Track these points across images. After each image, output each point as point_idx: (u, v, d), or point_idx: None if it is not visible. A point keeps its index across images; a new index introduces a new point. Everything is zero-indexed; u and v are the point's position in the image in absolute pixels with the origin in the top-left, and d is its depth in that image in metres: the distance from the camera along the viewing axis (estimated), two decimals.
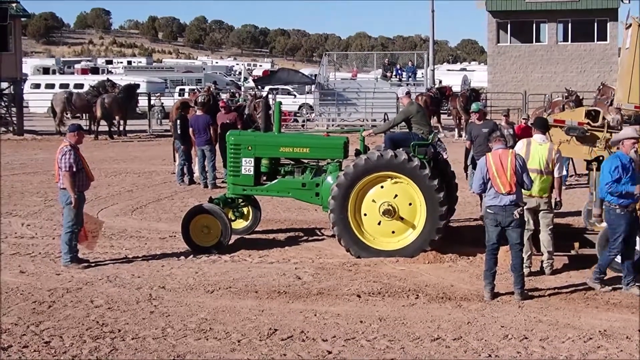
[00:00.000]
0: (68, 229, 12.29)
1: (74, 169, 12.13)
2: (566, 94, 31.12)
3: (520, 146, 11.91)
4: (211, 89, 33.81)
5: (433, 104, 33.95)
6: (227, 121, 20.17)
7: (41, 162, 25.75)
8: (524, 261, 11.26)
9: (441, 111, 37.19)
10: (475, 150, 16.05)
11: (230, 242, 13.64)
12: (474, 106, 16.83)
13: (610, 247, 10.96)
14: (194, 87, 47.13)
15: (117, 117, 35.64)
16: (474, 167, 15.78)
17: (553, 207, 12.07)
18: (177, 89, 52.82)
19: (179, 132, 20.72)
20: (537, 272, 11.86)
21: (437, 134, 14.71)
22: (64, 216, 12.40)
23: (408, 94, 14.47)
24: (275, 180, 13.99)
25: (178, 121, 20.79)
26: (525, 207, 11.38)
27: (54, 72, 72.21)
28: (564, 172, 15.42)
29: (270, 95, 37.21)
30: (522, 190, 10.84)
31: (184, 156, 20.80)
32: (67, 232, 12.31)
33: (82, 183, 12.37)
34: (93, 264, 12.47)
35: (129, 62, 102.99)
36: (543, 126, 12.23)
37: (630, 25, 13.44)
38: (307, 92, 45.66)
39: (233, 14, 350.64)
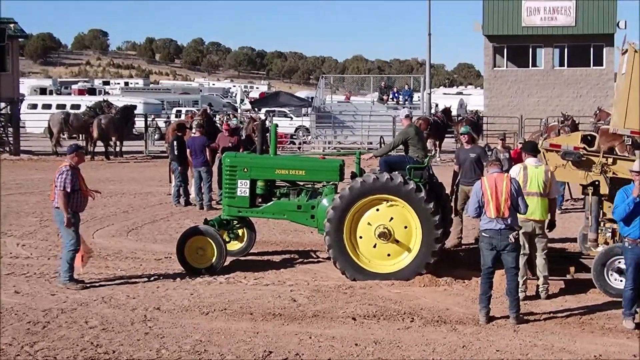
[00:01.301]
0: (71, 247, 12.26)
1: (68, 190, 12.12)
2: (562, 119, 31.17)
3: (517, 171, 11.91)
4: (207, 111, 33.85)
5: (433, 129, 33.95)
6: (230, 144, 20.13)
7: (37, 183, 25.71)
8: (520, 285, 11.26)
9: (446, 135, 36.88)
10: (461, 176, 15.50)
11: (225, 264, 13.63)
12: (462, 129, 16.30)
13: (625, 281, 10.75)
14: (191, 108, 47.24)
15: (113, 138, 35.67)
16: (455, 193, 15.55)
17: (546, 229, 12.09)
18: (174, 110, 52.95)
19: (175, 153, 20.75)
20: (533, 297, 11.84)
21: (432, 157, 14.70)
22: (65, 236, 12.36)
23: (408, 116, 14.55)
24: (271, 203, 14.00)
25: (175, 142, 20.83)
26: (521, 232, 11.40)
27: (51, 93, 72.47)
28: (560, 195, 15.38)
29: (267, 119, 37.27)
30: (522, 213, 10.86)
31: (180, 177, 20.82)
32: (70, 251, 12.28)
33: (77, 204, 12.35)
34: (88, 285, 12.45)
35: (126, 84, 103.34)
36: (533, 149, 12.27)
37: (627, 50, 13.46)
38: (304, 115, 45.75)
39: (230, 36, 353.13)
